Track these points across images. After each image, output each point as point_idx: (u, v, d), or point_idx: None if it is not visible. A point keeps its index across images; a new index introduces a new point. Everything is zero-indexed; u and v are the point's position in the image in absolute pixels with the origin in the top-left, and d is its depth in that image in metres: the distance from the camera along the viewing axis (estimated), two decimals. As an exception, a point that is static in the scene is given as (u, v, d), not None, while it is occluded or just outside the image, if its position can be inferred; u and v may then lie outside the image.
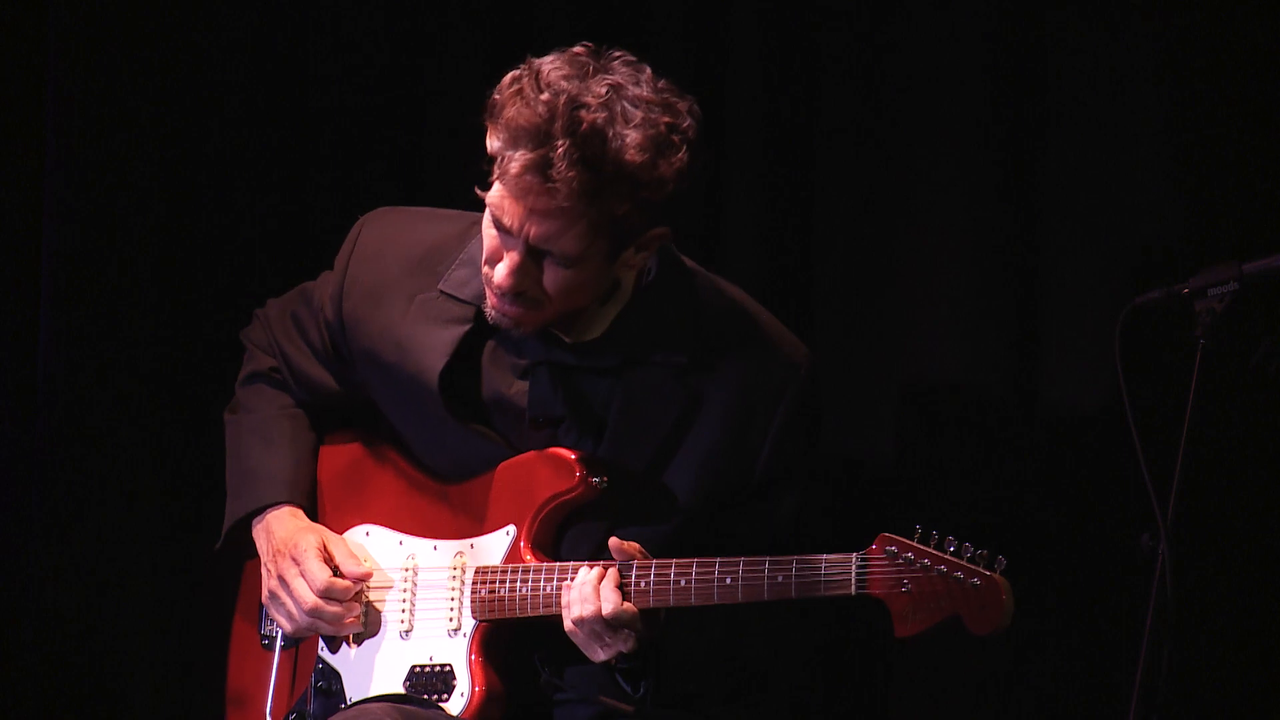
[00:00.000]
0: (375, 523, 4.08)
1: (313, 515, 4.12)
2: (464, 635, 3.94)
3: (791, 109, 4.91)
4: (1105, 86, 4.69)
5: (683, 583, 3.76)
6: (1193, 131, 4.63)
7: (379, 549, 4.05)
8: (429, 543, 4.02)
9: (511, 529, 3.94)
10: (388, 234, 4.10)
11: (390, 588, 4.02)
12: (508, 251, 3.80)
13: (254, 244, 5.08)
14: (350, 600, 4.01)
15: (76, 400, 4.99)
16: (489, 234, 3.83)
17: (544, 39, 5.01)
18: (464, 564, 3.96)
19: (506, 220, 3.77)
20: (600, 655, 3.81)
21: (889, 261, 4.88)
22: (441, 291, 4.00)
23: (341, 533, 4.09)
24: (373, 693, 3.99)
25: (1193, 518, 3.81)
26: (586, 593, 3.78)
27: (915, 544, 3.65)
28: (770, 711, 4.06)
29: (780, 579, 3.70)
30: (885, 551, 3.66)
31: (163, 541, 5.04)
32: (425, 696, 3.93)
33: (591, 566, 3.82)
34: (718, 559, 3.75)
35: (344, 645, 4.05)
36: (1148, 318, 3.84)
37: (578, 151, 3.68)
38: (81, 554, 5.00)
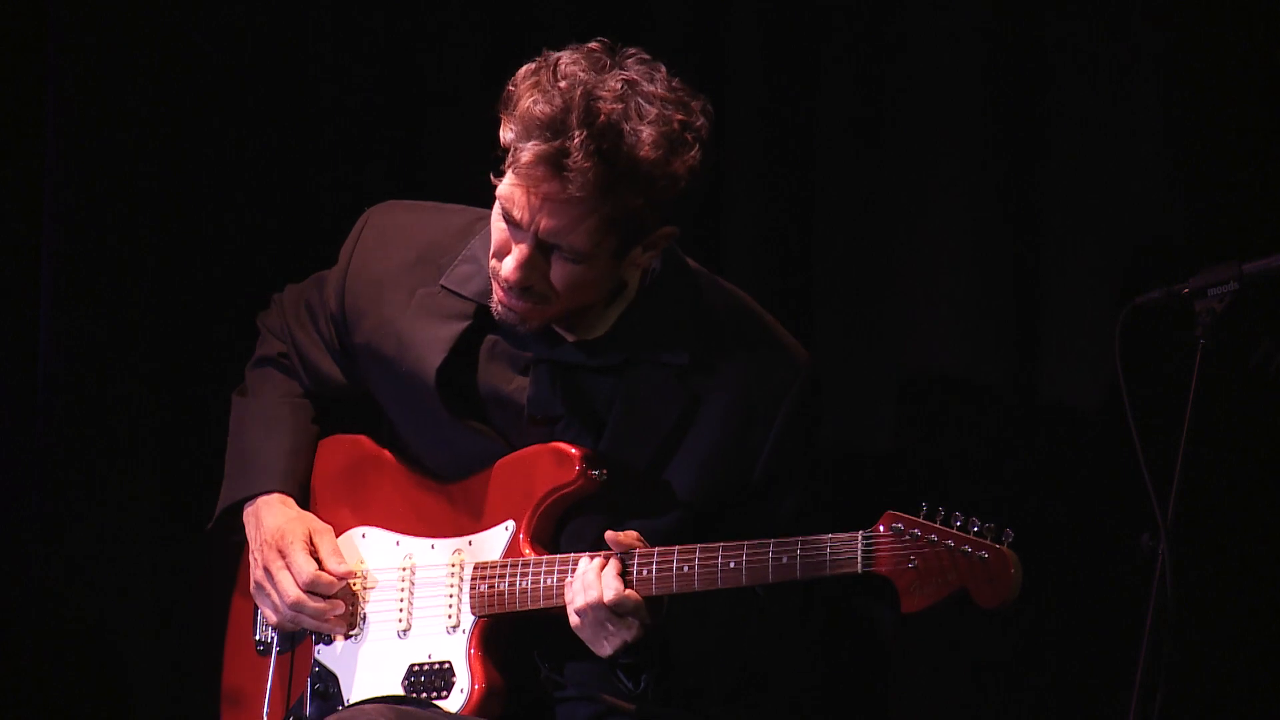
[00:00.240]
0: (372, 524, 4.08)
1: (305, 507, 4.12)
2: (463, 631, 3.94)
3: (791, 109, 4.91)
4: (1105, 86, 4.69)
5: (685, 569, 3.75)
6: (1193, 131, 4.62)
7: (375, 550, 4.05)
8: (426, 541, 4.02)
9: (510, 524, 3.94)
10: (392, 227, 4.10)
11: (387, 588, 4.02)
12: (516, 244, 3.80)
13: (254, 244, 5.08)
14: (334, 597, 4.01)
15: (76, 400, 4.99)
16: (498, 227, 3.83)
17: (544, 39, 5.03)
18: (462, 560, 3.96)
19: (517, 213, 3.77)
20: (605, 648, 3.80)
21: (889, 261, 4.88)
22: (443, 287, 4.00)
23: (338, 534, 4.09)
24: (371, 694, 3.98)
25: (1193, 518, 3.81)
26: (589, 580, 3.77)
27: (921, 520, 3.64)
28: (770, 711, 4.06)
29: (785, 560, 3.69)
30: (891, 529, 3.65)
31: (163, 542, 5.04)
32: (424, 695, 3.92)
33: (593, 557, 3.82)
34: (720, 544, 3.74)
35: (341, 647, 4.04)
36: (1148, 318, 3.84)
37: (594, 144, 3.69)
38: (81, 554, 5.00)
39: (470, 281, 3.96)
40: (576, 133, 3.68)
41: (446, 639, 3.94)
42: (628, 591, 3.77)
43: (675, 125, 3.75)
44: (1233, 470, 4.56)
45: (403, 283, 4.02)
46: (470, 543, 3.97)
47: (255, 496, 4.10)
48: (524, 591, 3.88)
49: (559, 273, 3.81)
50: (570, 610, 3.79)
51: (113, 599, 5.03)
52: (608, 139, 3.69)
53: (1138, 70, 4.67)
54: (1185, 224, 4.64)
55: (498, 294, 3.86)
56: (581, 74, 3.73)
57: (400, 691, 3.95)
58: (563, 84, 3.71)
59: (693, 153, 3.76)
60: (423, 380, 3.96)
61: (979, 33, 4.77)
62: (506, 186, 3.78)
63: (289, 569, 3.99)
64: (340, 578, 4.00)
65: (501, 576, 3.90)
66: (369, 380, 4.07)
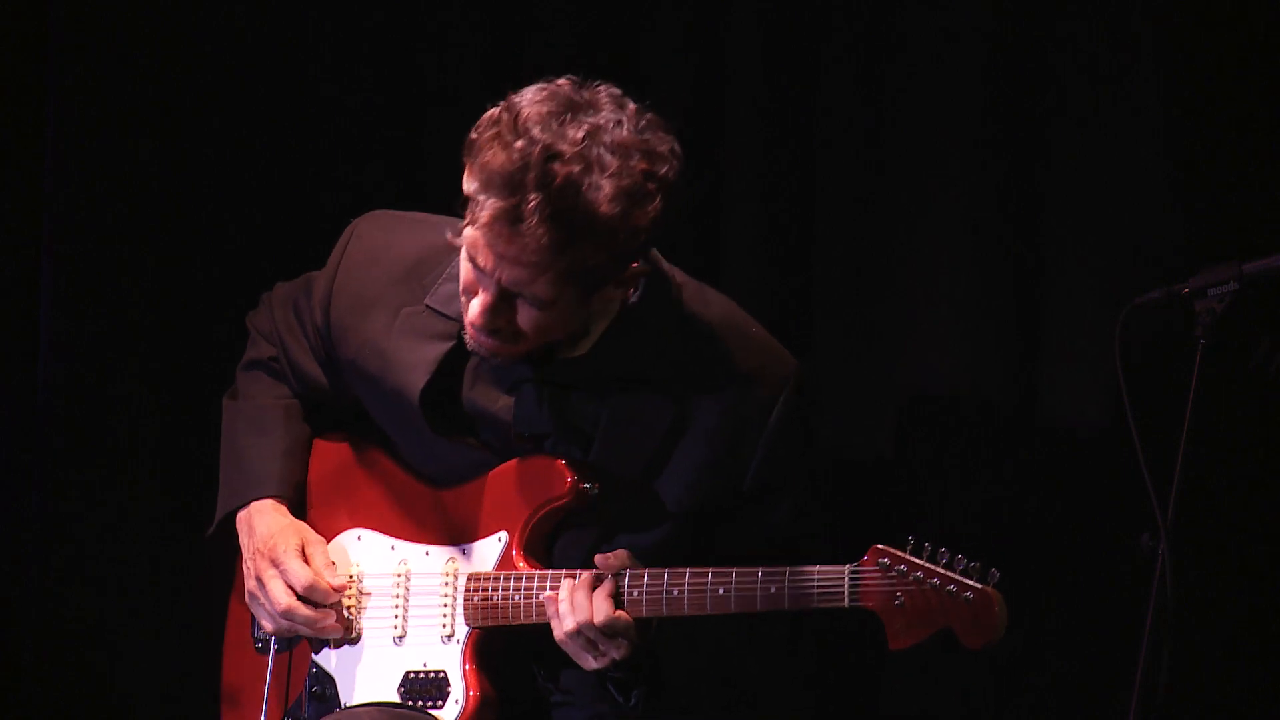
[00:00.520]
0: (367, 527, 4.07)
1: (300, 508, 4.12)
2: (458, 642, 3.93)
3: (792, 109, 4.91)
4: (1105, 86, 4.69)
5: (675, 592, 3.74)
6: (1192, 132, 4.62)
7: (371, 554, 4.05)
8: (421, 548, 4.01)
9: (503, 535, 3.93)
10: (378, 242, 4.07)
11: (383, 594, 4.02)
12: (482, 290, 3.76)
13: (254, 245, 5.08)
14: (327, 606, 4.00)
15: (76, 400, 4.99)
16: (465, 266, 3.81)
17: (544, 39, 5.03)
18: (456, 570, 3.95)
19: (480, 260, 3.73)
20: (592, 664, 3.80)
21: (889, 264, 4.88)
22: (427, 306, 3.98)
23: (332, 536, 4.08)
24: (367, 698, 3.98)
25: (1193, 518, 3.81)
26: (580, 601, 3.77)
27: (908, 556, 3.62)
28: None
29: (773, 590, 3.68)
30: (878, 564, 3.63)
31: (162, 542, 5.04)
32: (419, 704, 3.92)
33: (578, 576, 3.81)
34: (710, 569, 3.73)
35: (338, 650, 4.04)
36: (1148, 318, 3.84)
37: (549, 207, 3.63)
38: (81, 554, 5.00)
39: (454, 301, 3.91)
40: (532, 196, 3.63)
41: (442, 648, 3.94)
42: (618, 613, 3.76)
43: (638, 176, 3.67)
44: (1233, 470, 4.56)
45: (387, 301, 4.00)
46: (464, 552, 3.96)
47: (248, 503, 4.09)
48: (517, 605, 3.87)
49: (525, 316, 3.77)
50: (557, 629, 3.79)
51: (113, 599, 5.03)
52: (565, 199, 3.64)
53: (1138, 70, 4.67)
54: (1185, 224, 4.64)
55: (469, 330, 3.84)
56: (539, 130, 3.66)
57: (396, 698, 3.95)
58: (520, 141, 3.65)
59: (654, 204, 3.70)
60: (408, 400, 3.94)
61: (979, 33, 4.77)
62: (471, 232, 3.75)
63: (281, 577, 3.98)
64: (335, 590, 4.00)
65: (495, 589, 3.89)
66: (357, 393, 4.06)
